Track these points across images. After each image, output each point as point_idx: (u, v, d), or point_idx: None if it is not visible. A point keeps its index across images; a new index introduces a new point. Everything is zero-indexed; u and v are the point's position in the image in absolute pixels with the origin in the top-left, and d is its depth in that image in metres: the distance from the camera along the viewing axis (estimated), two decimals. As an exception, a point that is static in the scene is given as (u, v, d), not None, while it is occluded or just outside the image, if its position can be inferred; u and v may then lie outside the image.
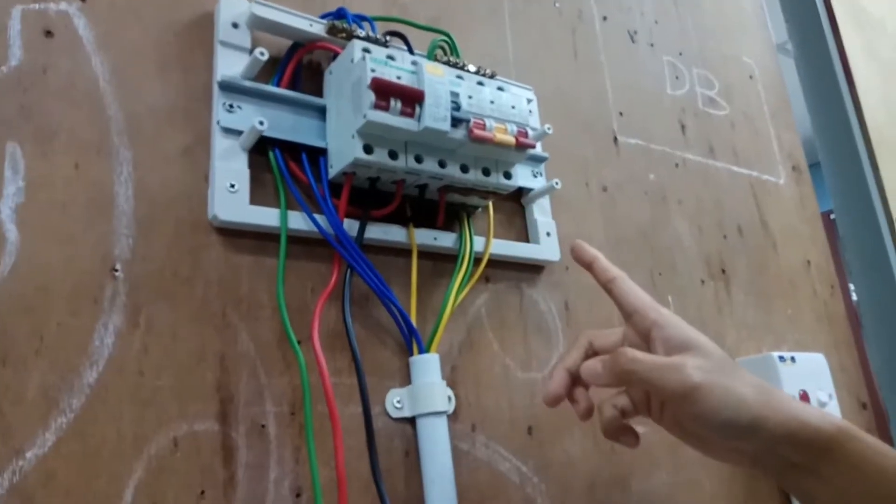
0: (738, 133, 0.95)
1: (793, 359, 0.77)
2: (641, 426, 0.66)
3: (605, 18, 0.84)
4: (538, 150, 0.65)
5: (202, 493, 0.42)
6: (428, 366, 0.52)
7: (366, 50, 0.50)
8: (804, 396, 0.75)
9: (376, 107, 0.47)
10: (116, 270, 0.43)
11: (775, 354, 0.76)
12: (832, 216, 1.34)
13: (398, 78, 0.48)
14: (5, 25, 0.44)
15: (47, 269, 0.40)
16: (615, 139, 0.79)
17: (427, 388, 0.51)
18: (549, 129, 0.64)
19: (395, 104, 0.48)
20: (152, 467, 0.40)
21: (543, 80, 0.73)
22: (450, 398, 0.53)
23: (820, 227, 1.01)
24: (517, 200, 0.66)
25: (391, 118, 0.47)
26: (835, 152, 1.21)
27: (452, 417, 0.53)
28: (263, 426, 0.45)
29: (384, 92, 0.47)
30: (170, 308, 0.44)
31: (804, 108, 1.23)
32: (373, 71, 0.47)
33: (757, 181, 0.94)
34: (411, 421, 0.51)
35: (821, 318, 0.92)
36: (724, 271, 0.83)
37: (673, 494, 0.65)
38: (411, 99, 0.48)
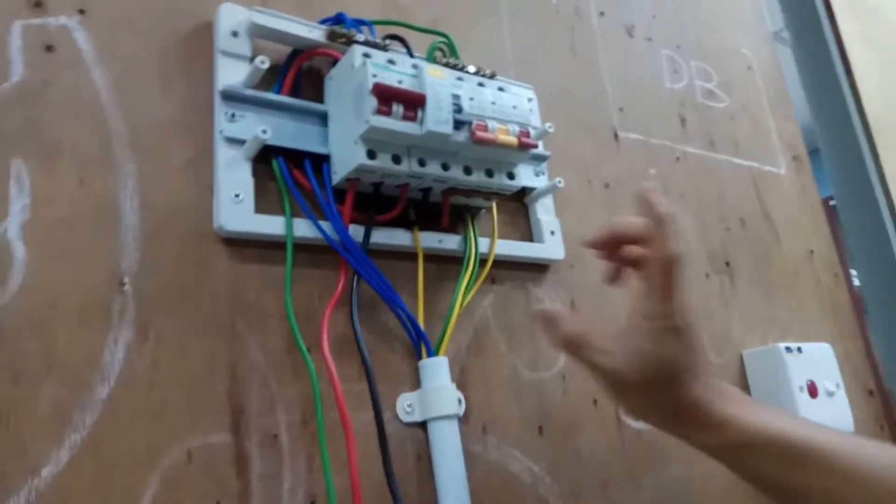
0: (738, 125, 0.95)
1: (799, 349, 0.77)
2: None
3: (602, 14, 0.84)
4: (540, 148, 0.65)
5: (217, 504, 0.42)
6: (437, 369, 0.52)
7: (366, 55, 0.50)
8: (812, 386, 0.75)
9: (378, 112, 0.47)
10: (124, 284, 0.43)
11: (781, 345, 0.76)
12: (832, 202, 1.35)
13: (399, 82, 0.48)
14: (6, 41, 0.44)
15: (56, 286, 0.40)
16: (615, 135, 0.79)
17: (437, 392, 0.51)
18: (550, 127, 0.64)
19: (397, 109, 0.48)
20: (167, 481, 0.40)
21: (543, 78, 0.73)
22: (460, 401, 0.54)
23: (822, 217, 1.01)
24: (520, 200, 0.66)
25: (394, 123, 0.47)
26: (834, 140, 1.21)
27: (463, 420, 0.53)
28: (276, 435, 0.45)
29: (386, 97, 0.47)
30: (178, 320, 0.44)
31: (801, 96, 1.23)
32: (374, 76, 0.47)
33: (758, 172, 0.94)
34: (422, 425, 0.51)
35: (825, 307, 0.92)
36: (728, 264, 0.83)
37: (686, 489, 0.65)
38: (413, 103, 0.48)
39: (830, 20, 1.25)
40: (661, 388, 0.43)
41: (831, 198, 1.30)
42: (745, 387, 0.77)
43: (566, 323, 0.46)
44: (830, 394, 0.76)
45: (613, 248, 0.46)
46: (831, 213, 1.09)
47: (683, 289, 0.43)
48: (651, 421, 0.46)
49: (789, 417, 0.44)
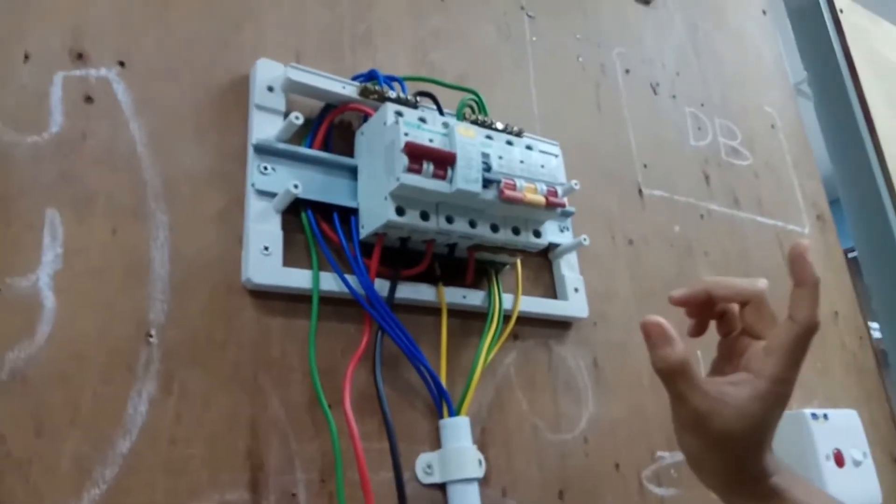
0: (762, 183, 0.95)
1: (825, 416, 0.75)
2: (674, 489, 0.64)
3: (627, 72, 0.85)
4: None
5: (232, 565, 0.41)
6: (458, 430, 0.51)
7: (398, 113, 0.50)
8: (838, 455, 0.73)
9: (409, 170, 0.47)
10: (151, 336, 0.43)
11: (807, 412, 0.74)
12: (851, 254, 1.33)
13: (430, 141, 0.49)
14: (47, 92, 0.45)
15: (83, 337, 0.40)
16: (640, 191, 0.79)
17: (458, 454, 0.50)
18: (576, 184, 0.64)
19: (428, 167, 0.48)
20: (183, 540, 0.40)
21: (568, 134, 0.74)
22: (480, 462, 0.52)
23: (846, 278, 1.00)
24: (544, 255, 0.66)
25: (424, 181, 0.48)
26: (857, 200, 1.20)
27: (483, 482, 0.52)
28: (294, 495, 0.44)
29: (417, 155, 0.47)
30: (203, 373, 0.44)
31: (821, 145, 1.23)
32: (406, 135, 0.48)
33: (782, 231, 0.93)
34: (441, 487, 0.50)
35: (850, 370, 0.90)
36: (751, 324, 0.81)
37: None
38: (443, 162, 0.48)
39: (853, 78, 1.26)
40: (740, 447, 0.41)
41: (851, 249, 1.28)
42: (769, 452, 0.75)
43: (679, 345, 0.42)
44: (857, 463, 0.74)
45: (703, 305, 0.45)
46: (851, 265, 1.07)
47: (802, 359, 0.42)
48: (704, 476, 0.44)
49: (829, 499, 0.43)
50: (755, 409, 0.40)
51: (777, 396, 0.41)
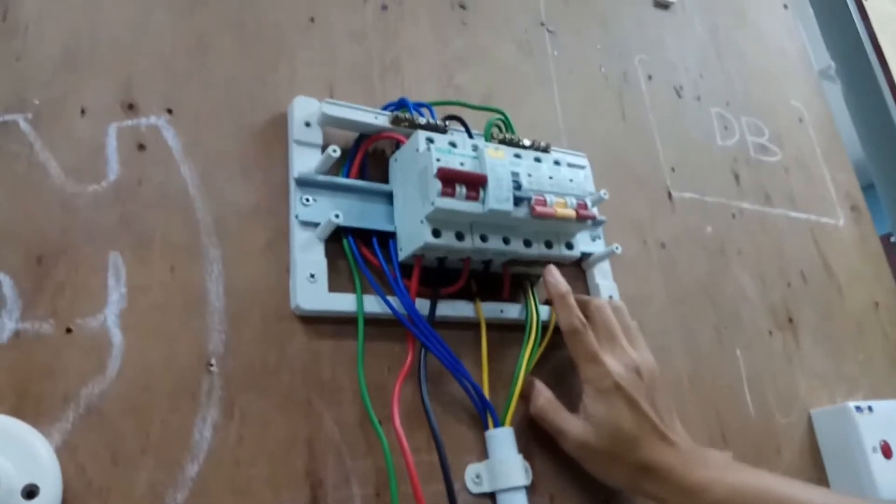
0: (793, 178, 0.95)
1: (870, 408, 0.75)
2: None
3: (650, 77, 0.86)
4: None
5: (298, 578, 0.43)
6: (504, 440, 0.53)
7: (429, 140, 0.53)
8: (885, 447, 0.73)
9: (443, 194, 0.49)
10: (212, 365, 0.45)
11: (851, 405, 0.74)
12: (892, 239, 1.31)
13: (461, 164, 0.51)
14: (103, 144, 0.48)
15: (150, 370, 0.43)
16: (669, 195, 0.80)
17: (505, 463, 0.52)
18: (605, 194, 0.66)
19: (460, 190, 0.50)
20: (252, 556, 0.42)
21: (595, 144, 0.75)
22: (527, 470, 0.54)
23: (885, 267, 0.99)
24: (577, 265, 0.68)
25: (458, 203, 0.50)
26: (890, 178, 1.19)
27: (531, 489, 0.54)
28: (352, 509, 0.47)
29: (450, 180, 0.50)
30: (260, 398, 0.46)
31: (851, 131, 1.22)
32: (438, 160, 0.50)
33: (816, 225, 0.93)
34: (491, 496, 0.52)
35: (894, 360, 0.90)
36: (791, 320, 0.82)
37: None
38: (475, 184, 0.51)
39: (881, 61, 1.25)
40: (623, 452, 0.50)
41: (889, 235, 1.27)
42: (815, 448, 0.75)
43: (543, 393, 0.55)
44: (906, 454, 0.74)
45: None
46: (890, 250, 1.06)
47: (613, 346, 0.54)
48: (619, 484, 0.53)
49: (771, 476, 0.49)
50: (601, 412, 0.51)
51: (602, 392, 0.51)
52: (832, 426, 0.74)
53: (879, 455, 0.72)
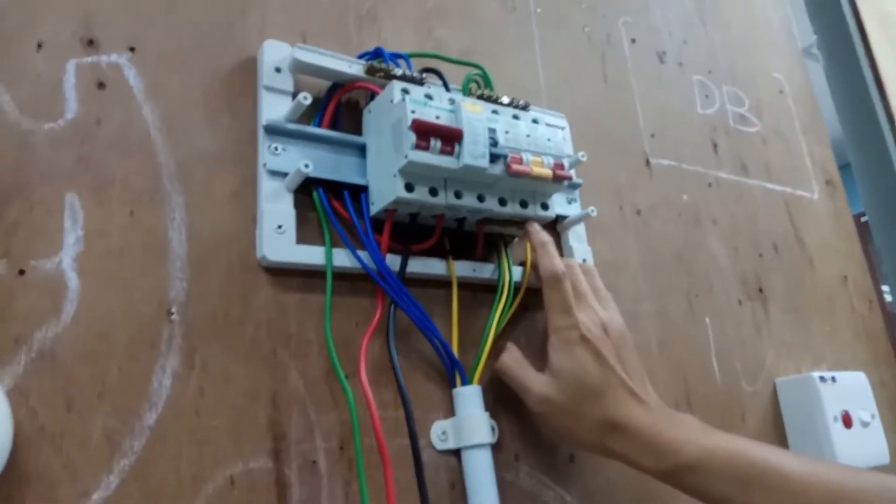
0: (770, 149, 0.95)
1: (833, 378, 0.76)
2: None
3: (633, 41, 0.85)
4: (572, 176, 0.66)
5: (258, 530, 0.43)
6: (471, 398, 0.52)
7: (405, 91, 0.51)
8: (846, 417, 0.74)
9: (417, 147, 0.48)
10: (172, 314, 0.44)
11: (815, 375, 0.75)
12: (863, 219, 1.33)
13: (437, 118, 0.50)
14: (61, 80, 0.46)
15: (107, 316, 0.42)
16: (647, 161, 0.79)
17: (471, 421, 0.51)
18: (583, 156, 0.65)
19: (435, 143, 0.49)
20: (210, 506, 0.42)
21: (574, 105, 0.74)
22: (493, 429, 0.54)
23: (856, 242, 1.00)
24: (552, 227, 0.67)
25: (432, 157, 0.49)
26: (866, 157, 1.20)
27: (496, 448, 0.54)
28: (315, 462, 0.46)
29: (424, 132, 0.48)
30: (223, 349, 0.45)
31: (830, 109, 1.22)
32: (413, 112, 0.48)
33: (791, 197, 0.93)
34: (456, 453, 0.52)
35: (859, 334, 0.91)
36: (761, 290, 0.82)
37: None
38: (450, 138, 0.49)
39: (863, 40, 1.25)
40: (587, 407, 0.49)
41: (862, 213, 1.28)
42: (777, 416, 0.76)
43: (512, 352, 0.55)
44: (865, 424, 0.75)
45: None
46: (862, 230, 1.07)
47: (582, 303, 0.53)
48: (584, 444, 0.51)
49: (744, 440, 0.48)
50: (566, 364, 0.50)
51: (571, 342, 0.51)
52: (796, 395, 0.75)
53: (840, 424, 0.74)
